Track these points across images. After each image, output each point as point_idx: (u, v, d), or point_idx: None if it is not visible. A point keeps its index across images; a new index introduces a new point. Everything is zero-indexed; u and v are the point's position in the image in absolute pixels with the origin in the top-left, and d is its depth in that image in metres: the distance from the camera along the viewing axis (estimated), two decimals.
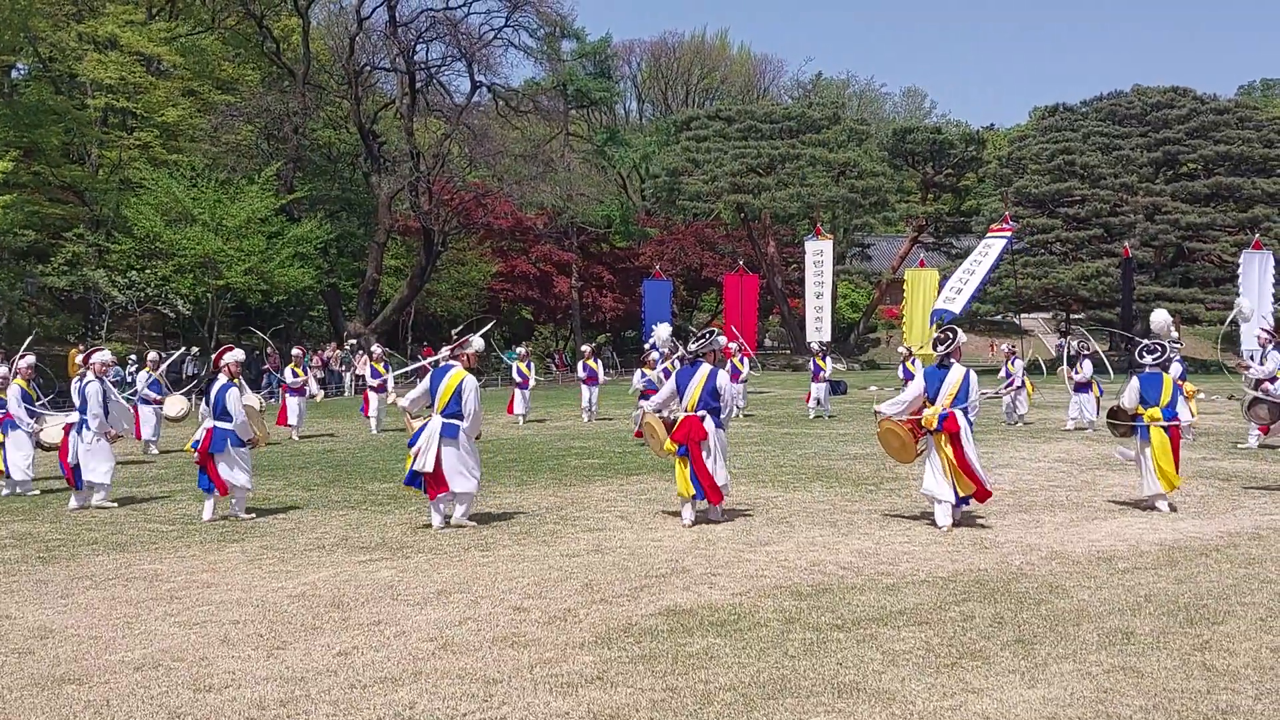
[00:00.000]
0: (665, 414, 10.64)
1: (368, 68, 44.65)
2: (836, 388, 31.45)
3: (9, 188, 30.31)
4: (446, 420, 10.10)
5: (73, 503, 11.99)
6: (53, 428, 13.14)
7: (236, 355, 11.65)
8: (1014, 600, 7.18)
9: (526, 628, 6.66)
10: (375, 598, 7.51)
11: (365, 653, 6.18)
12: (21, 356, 13.45)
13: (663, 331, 17.84)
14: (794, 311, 50.30)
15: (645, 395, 16.74)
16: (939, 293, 33.00)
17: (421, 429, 10.19)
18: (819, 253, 33.38)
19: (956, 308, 29.79)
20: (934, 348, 10.38)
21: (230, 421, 10.98)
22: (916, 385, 10.28)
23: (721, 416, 10.39)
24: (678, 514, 10.46)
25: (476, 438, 10.45)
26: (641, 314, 36.76)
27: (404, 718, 5.15)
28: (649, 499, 11.99)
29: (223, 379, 11.24)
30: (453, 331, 11.03)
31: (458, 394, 10.13)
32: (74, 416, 12.38)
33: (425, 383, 10.49)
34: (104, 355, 12.78)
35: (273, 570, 8.52)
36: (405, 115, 43.34)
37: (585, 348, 26.04)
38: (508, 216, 46.95)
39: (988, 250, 31.22)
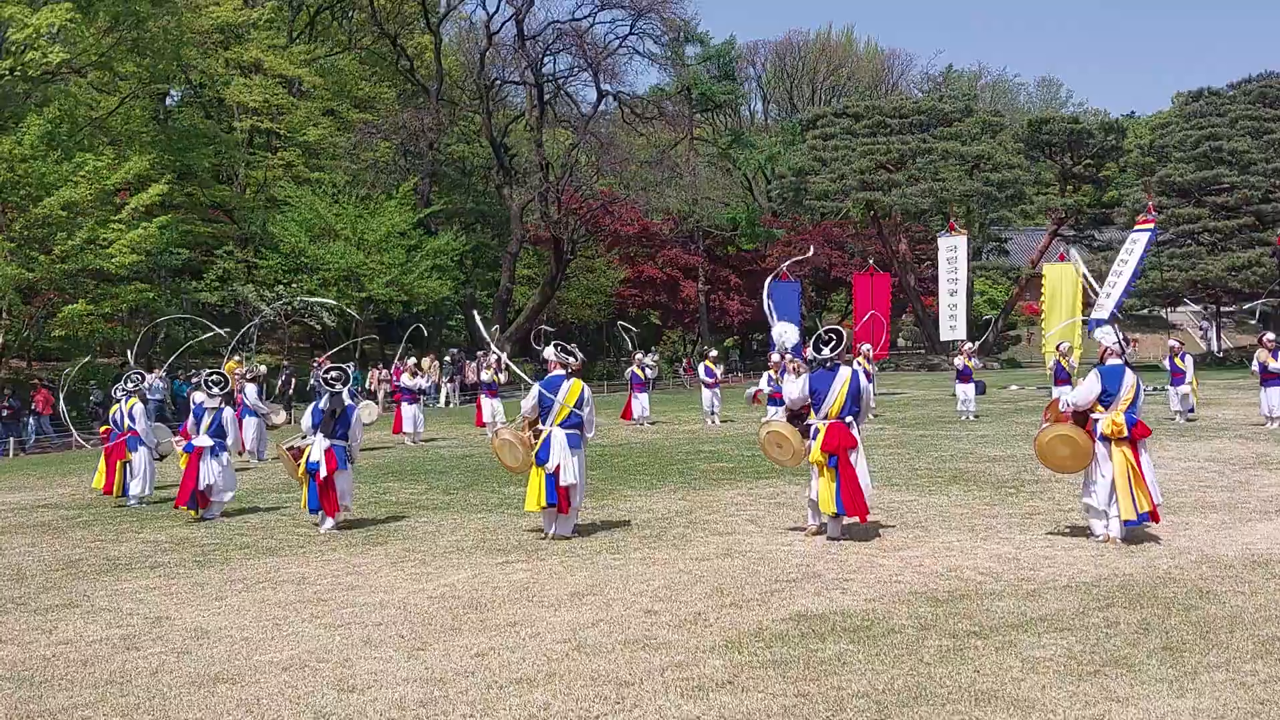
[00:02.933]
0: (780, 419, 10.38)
1: (498, 81, 45.59)
2: (976, 388, 30.76)
3: (165, 209, 31.95)
4: (568, 431, 9.98)
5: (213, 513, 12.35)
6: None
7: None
8: (1161, 606, 6.91)
9: (657, 630, 6.71)
10: (511, 599, 7.67)
11: (501, 654, 6.31)
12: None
13: (790, 333, 17.27)
14: (928, 310, 49.33)
15: (772, 399, 16.68)
16: (1083, 287, 31.96)
17: (546, 443, 9.89)
18: (953, 249, 32.67)
19: (1105, 313, 28.82)
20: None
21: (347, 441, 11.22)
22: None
23: (860, 418, 9.89)
24: (803, 526, 10.08)
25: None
26: (768, 316, 36.51)
27: (539, 718, 5.25)
28: (778, 503, 11.93)
29: (344, 397, 11.43)
30: (553, 341, 10.87)
31: (579, 404, 10.01)
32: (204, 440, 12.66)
33: (534, 395, 10.13)
34: (260, 369, 13.29)
35: (414, 572, 8.77)
36: (534, 127, 44.11)
37: (713, 352, 26.10)
38: (634, 223, 47.32)
39: (1132, 249, 30.08)
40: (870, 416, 11.50)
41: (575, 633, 6.72)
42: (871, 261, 37.97)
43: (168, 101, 41.95)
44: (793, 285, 36.25)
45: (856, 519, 9.58)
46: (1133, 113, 65.62)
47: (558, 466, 9.81)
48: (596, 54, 44.13)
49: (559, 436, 9.91)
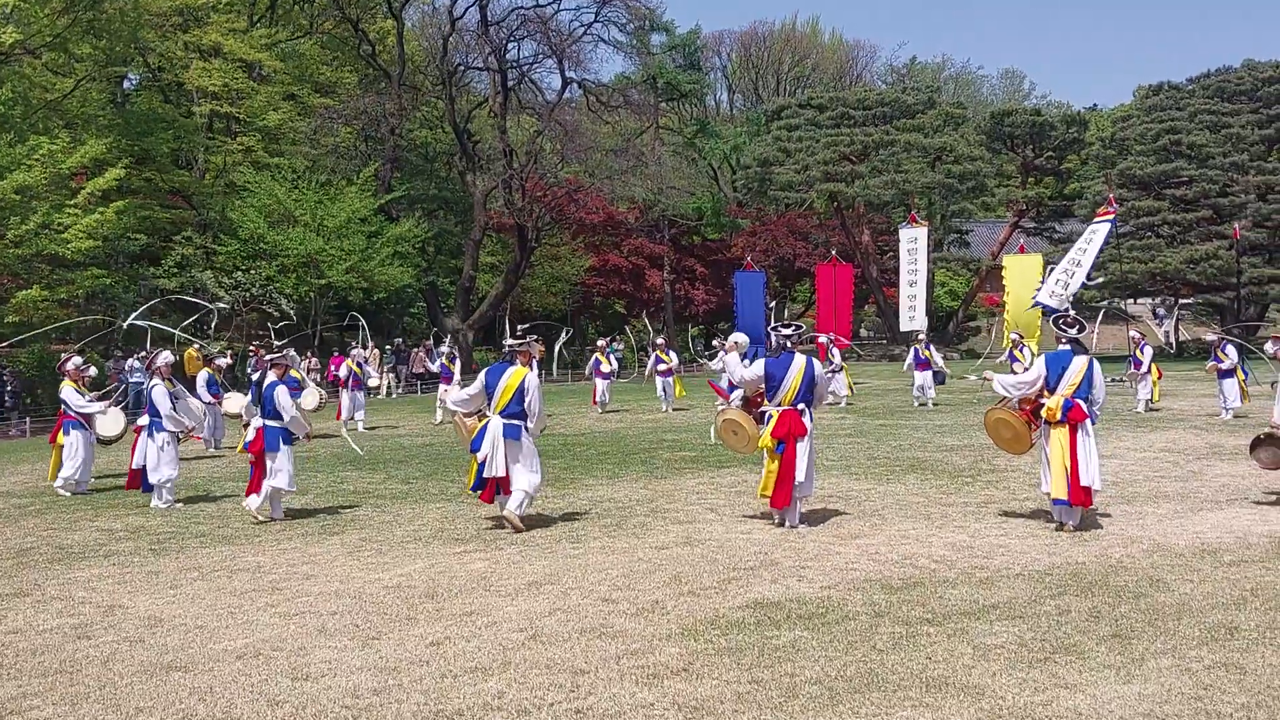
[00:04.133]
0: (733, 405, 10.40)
1: (461, 67, 45.27)
2: (936, 378, 30.98)
3: (122, 194, 31.49)
4: (507, 421, 9.75)
5: (156, 502, 12.15)
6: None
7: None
8: (1112, 594, 7.01)
9: (615, 619, 6.72)
10: (468, 589, 7.66)
11: (457, 643, 6.30)
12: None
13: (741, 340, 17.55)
14: (890, 301, 49.62)
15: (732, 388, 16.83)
16: (1042, 280, 32.19)
17: (482, 432, 9.79)
18: (913, 240, 32.82)
19: (1060, 302, 29.05)
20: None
21: (280, 420, 10.96)
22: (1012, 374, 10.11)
23: (814, 406, 9.94)
24: (766, 515, 10.19)
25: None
26: (734, 306, 36.62)
27: (492, 707, 5.24)
28: (739, 492, 11.98)
29: (272, 376, 11.18)
30: (519, 328, 10.77)
31: (519, 394, 9.76)
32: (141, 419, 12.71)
33: (479, 381, 10.07)
34: (167, 357, 13.04)
35: (370, 562, 8.73)
36: (498, 114, 43.86)
37: (659, 339, 26.43)
38: (599, 211, 47.25)
39: (1092, 238, 30.33)
40: (829, 401, 11.48)
41: (532, 622, 6.72)
42: (835, 252, 38.13)
43: (125, 85, 41.32)
44: (757, 275, 36.37)
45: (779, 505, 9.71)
46: (1095, 106, 66.31)
47: (485, 456, 9.66)
48: (561, 41, 43.94)
49: (495, 426, 9.73)
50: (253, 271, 34.99)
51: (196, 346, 21.77)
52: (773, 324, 10.16)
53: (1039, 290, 29.45)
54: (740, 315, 35.00)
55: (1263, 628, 6.17)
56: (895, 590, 7.26)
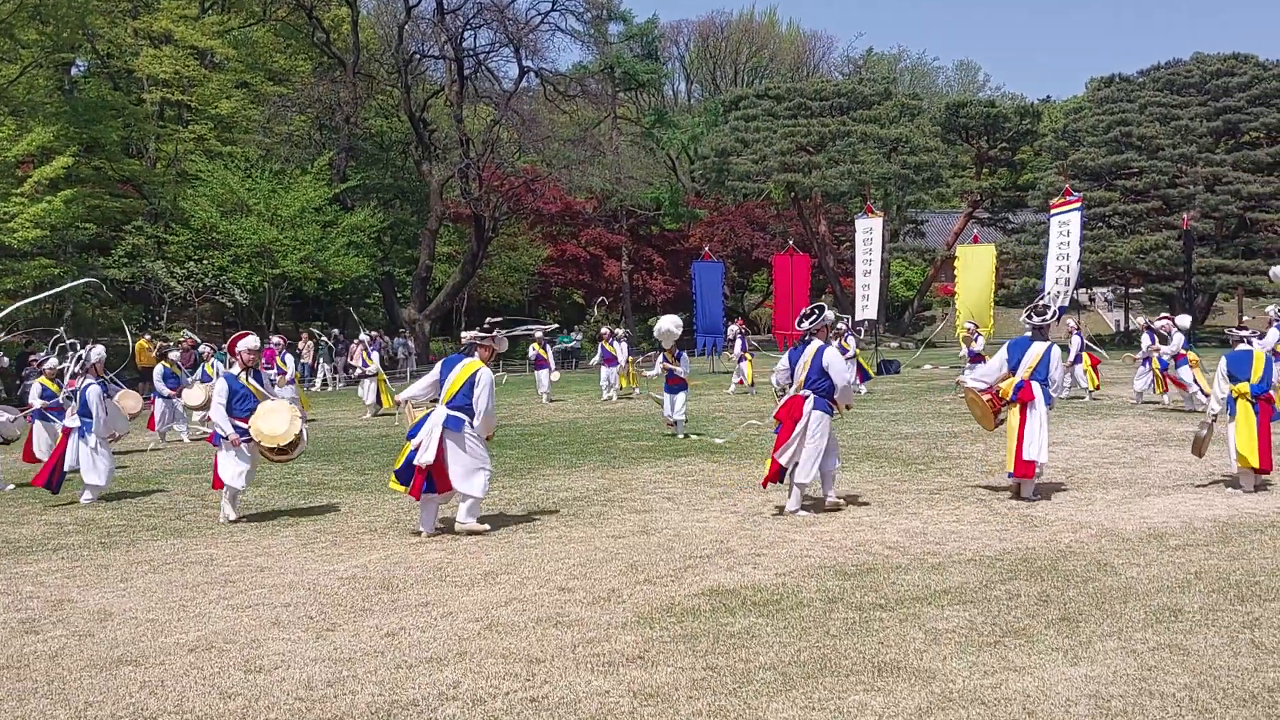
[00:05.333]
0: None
1: (417, 56, 44.92)
2: (889, 367, 31.26)
3: (70, 183, 30.98)
4: (452, 412, 9.19)
5: (85, 497, 11.85)
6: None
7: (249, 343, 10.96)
8: (1061, 578, 7.13)
9: (571, 608, 6.74)
10: (424, 579, 7.64)
11: (412, 633, 6.29)
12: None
13: (667, 324, 17.71)
14: (846, 291, 49.92)
15: (668, 385, 16.98)
16: (996, 270, 32.54)
17: (423, 420, 9.29)
18: (869, 230, 32.94)
19: (1065, 300, 29.38)
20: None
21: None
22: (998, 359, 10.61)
23: (836, 396, 9.85)
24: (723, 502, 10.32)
25: (488, 438, 9.60)
26: (693, 296, 36.70)
27: (448, 697, 5.24)
28: (695, 480, 12.03)
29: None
30: (487, 321, 10.32)
31: (469, 385, 9.25)
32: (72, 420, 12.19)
33: (434, 372, 9.60)
34: (99, 352, 12.52)
35: (324, 553, 8.68)
36: (454, 102, 43.56)
37: (604, 330, 26.63)
38: (557, 201, 47.14)
39: (1066, 228, 30.62)
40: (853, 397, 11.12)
41: (487, 611, 6.71)
42: (791, 242, 38.28)
43: (73, 71, 40.63)
44: (715, 265, 36.44)
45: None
46: (1048, 97, 66.98)
47: (419, 444, 9.12)
48: (518, 30, 43.69)
49: (438, 414, 9.21)
50: (205, 261, 34.58)
51: (147, 338, 21.48)
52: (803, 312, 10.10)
53: (1045, 296, 29.87)
54: (699, 305, 35.12)
55: (1206, 610, 6.29)
56: (849, 576, 7.33)
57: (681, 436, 16.28)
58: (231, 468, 10.42)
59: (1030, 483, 10.15)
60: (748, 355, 25.47)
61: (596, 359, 25.62)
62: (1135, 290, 50.55)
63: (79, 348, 13.30)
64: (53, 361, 14.41)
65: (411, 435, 9.30)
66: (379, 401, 22.29)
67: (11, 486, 12.91)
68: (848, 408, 10.39)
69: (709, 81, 72.14)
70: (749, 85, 63.98)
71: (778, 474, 9.76)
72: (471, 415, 9.24)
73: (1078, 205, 31.23)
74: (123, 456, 15.40)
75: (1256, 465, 10.19)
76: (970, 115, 53.64)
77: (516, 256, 48.05)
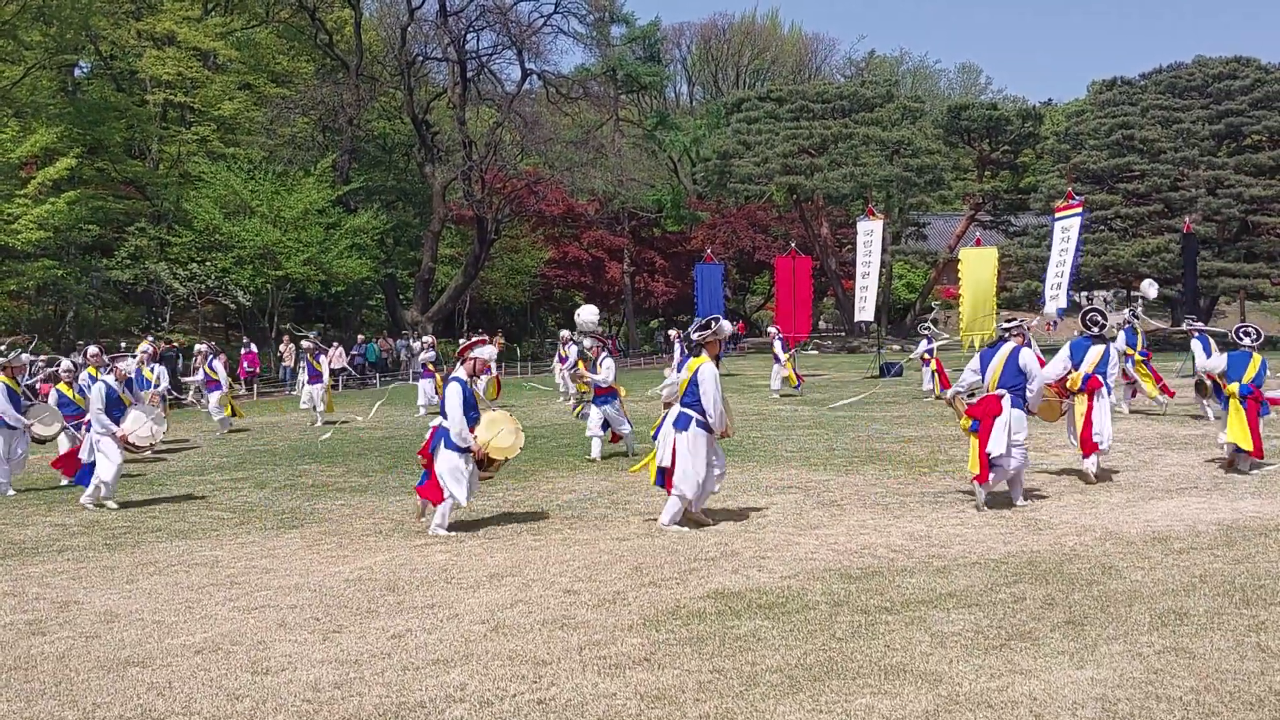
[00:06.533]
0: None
1: (419, 58, 44.96)
2: (891, 369, 31.27)
3: (74, 184, 31.01)
4: (682, 410, 9.36)
5: (89, 498, 11.69)
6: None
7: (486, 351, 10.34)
8: (1066, 582, 7.13)
9: (576, 610, 6.74)
10: (429, 581, 7.64)
11: (418, 635, 6.29)
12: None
13: (587, 313, 15.82)
14: (848, 293, 49.94)
15: (597, 396, 14.48)
16: (998, 273, 32.50)
17: (663, 421, 9.53)
18: (870, 233, 32.95)
19: (1062, 302, 29.39)
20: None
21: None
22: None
23: (1029, 396, 10.17)
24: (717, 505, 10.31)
25: (723, 435, 9.59)
26: (694, 298, 36.74)
27: (455, 699, 5.25)
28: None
29: (459, 372, 10.00)
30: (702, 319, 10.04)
31: (694, 384, 9.34)
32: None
33: (676, 373, 9.80)
34: (128, 364, 12.57)
35: (330, 555, 8.69)
36: (457, 105, 43.61)
37: (563, 332, 26.92)
38: (559, 203, 47.20)
39: (1067, 234, 30.63)
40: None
41: (493, 613, 6.72)
42: (794, 245, 38.29)
43: (76, 73, 40.67)
44: (717, 268, 36.48)
45: None
46: (1050, 100, 66.98)
47: (658, 445, 9.49)
48: (520, 32, 43.76)
49: (672, 414, 9.48)
50: (208, 263, 34.58)
51: (149, 339, 21.46)
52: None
53: (1045, 303, 29.91)
54: (700, 307, 35.13)
55: (1211, 613, 6.30)
56: (854, 579, 7.33)
57: (631, 458, 13.98)
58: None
59: (1094, 457, 11.41)
60: (788, 356, 25.44)
61: (570, 365, 25.11)
62: (1137, 294, 50.50)
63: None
64: (66, 364, 14.41)
65: (655, 436, 9.62)
66: (319, 408, 21.38)
67: (12, 492, 12.84)
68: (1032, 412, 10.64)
69: (711, 84, 72.23)
70: (751, 87, 64.05)
71: (988, 469, 9.85)
72: (701, 412, 9.29)
73: (1079, 211, 31.27)
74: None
75: (1250, 449, 11.52)
76: (972, 118, 53.66)
77: (519, 258, 48.08)
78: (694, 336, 9.64)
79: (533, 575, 7.73)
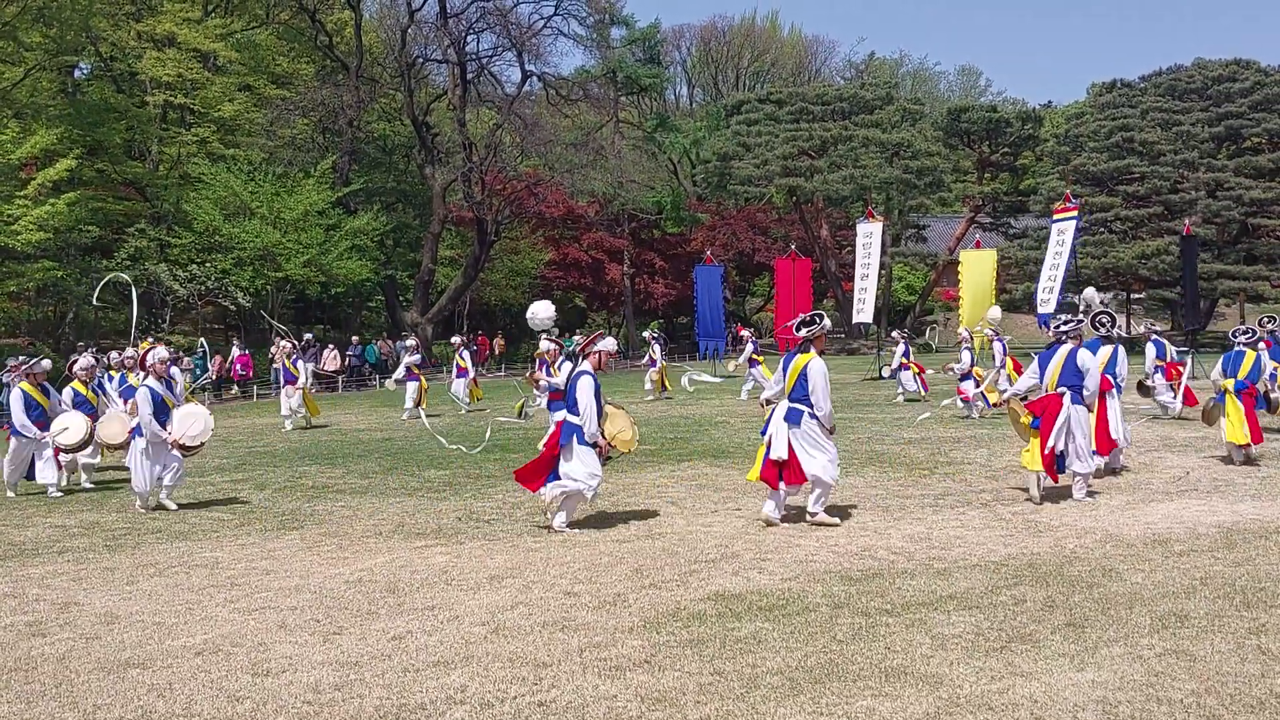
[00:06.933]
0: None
1: (419, 60, 44.95)
2: (892, 372, 31.23)
3: (73, 185, 31.01)
4: (792, 405, 9.51)
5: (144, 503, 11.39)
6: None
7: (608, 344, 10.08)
8: (1066, 584, 7.13)
9: (577, 612, 6.74)
10: (430, 583, 7.64)
11: (419, 637, 6.29)
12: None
13: (540, 310, 13.94)
14: (848, 295, 49.97)
15: (551, 401, 13.86)
16: (997, 275, 32.54)
17: (771, 417, 9.68)
18: (869, 235, 33.01)
19: (1051, 307, 29.43)
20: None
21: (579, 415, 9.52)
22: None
23: (1085, 395, 10.50)
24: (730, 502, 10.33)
25: (831, 431, 9.64)
26: (694, 300, 36.75)
27: (455, 700, 5.25)
28: (699, 485, 12.04)
29: (585, 366, 9.76)
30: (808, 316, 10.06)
31: (802, 379, 9.47)
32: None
33: (779, 369, 9.91)
34: (161, 353, 11.96)
35: (330, 557, 8.69)
36: (457, 106, 43.60)
37: (455, 339, 26.66)
38: (559, 205, 47.19)
39: (1062, 238, 30.66)
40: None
41: (494, 615, 6.72)
42: (794, 247, 38.30)
43: (76, 74, 40.66)
44: (717, 270, 36.49)
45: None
46: (1049, 102, 67.10)
47: (769, 439, 9.51)
48: (520, 34, 43.76)
49: (780, 409, 9.61)
50: (208, 264, 34.59)
51: (149, 340, 21.40)
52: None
53: (1040, 303, 29.97)
54: (700, 309, 35.16)
55: (1212, 616, 6.30)
56: (854, 581, 7.33)
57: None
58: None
59: (1117, 452, 11.76)
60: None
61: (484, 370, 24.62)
62: (1137, 296, 50.59)
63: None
64: (84, 361, 14.36)
65: (763, 432, 9.68)
66: (301, 411, 20.91)
67: (11, 495, 12.82)
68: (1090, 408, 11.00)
69: (711, 86, 72.24)
70: (751, 90, 64.08)
71: (1053, 465, 10.20)
72: (810, 406, 9.45)
73: (1073, 214, 31.31)
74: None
75: (1245, 442, 12.31)
76: (972, 120, 53.73)
77: (518, 260, 48.08)
78: (801, 333, 9.74)
79: (533, 577, 7.73)
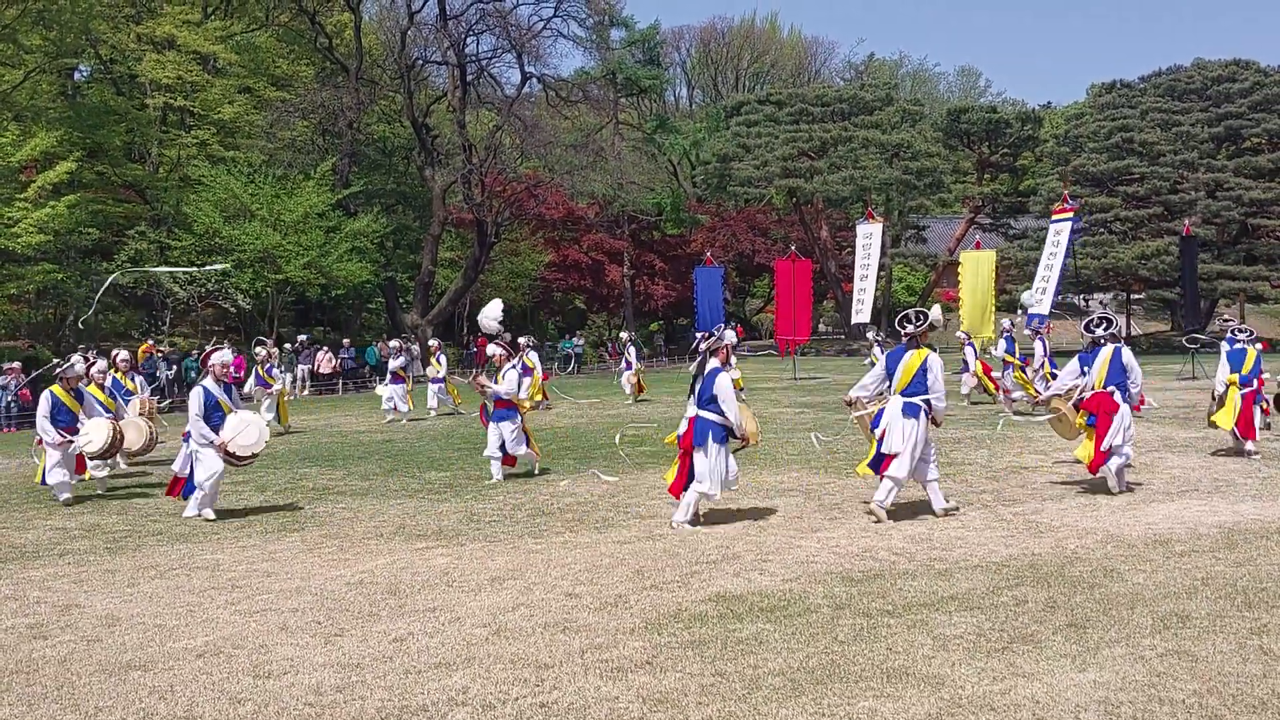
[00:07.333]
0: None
1: (419, 61, 44.94)
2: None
3: (73, 187, 31.03)
4: (907, 400, 9.65)
5: (191, 509, 10.98)
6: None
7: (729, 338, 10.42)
8: (1068, 584, 7.13)
9: (578, 613, 6.74)
10: (431, 585, 7.64)
11: (420, 639, 6.29)
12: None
13: (488, 310, 14.00)
14: (848, 296, 50.00)
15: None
16: (997, 276, 32.57)
17: (881, 412, 9.83)
18: (869, 236, 33.05)
19: (1045, 308, 29.42)
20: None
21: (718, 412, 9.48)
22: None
23: (1131, 392, 11.05)
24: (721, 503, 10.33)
25: (938, 424, 9.92)
26: (694, 301, 36.74)
27: (457, 702, 5.25)
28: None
29: (714, 363, 9.66)
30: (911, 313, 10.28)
31: (922, 373, 9.65)
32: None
33: (879, 368, 10.08)
34: (224, 356, 11.38)
35: (331, 559, 8.69)
36: (457, 108, 43.60)
37: (393, 342, 26.44)
38: (559, 206, 47.20)
39: (1058, 239, 30.68)
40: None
41: (495, 617, 6.72)
42: (794, 248, 38.31)
43: (76, 76, 40.68)
44: (717, 271, 36.48)
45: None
46: (1049, 103, 67.04)
47: (883, 432, 9.79)
48: (520, 35, 43.75)
49: (895, 404, 9.77)
50: (208, 266, 34.57)
51: (151, 341, 21.41)
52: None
53: (1029, 301, 29.94)
54: (700, 310, 35.14)
55: (1213, 616, 6.30)
56: (856, 582, 7.33)
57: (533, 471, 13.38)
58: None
59: (1116, 460, 11.31)
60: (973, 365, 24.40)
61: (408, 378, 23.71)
62: (1136, 296, 50.61)
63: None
64: (101, 364, 14.32)
65: (874, 426, 9.92)
66: (277, 418, 20.38)
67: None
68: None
69: (711, 87, 72.28)
70: (750, 91, 64.13)
71: (1104, 461, 10.67)
72: (928, 401, 9.69)
73: (1069, 216, 31.32)
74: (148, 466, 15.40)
75: (1231, 428, 13.03)
76: (972, 121, 53.74)
77: (519, 262, 48.10)
78: (908, 329, 9.90)
79: (534, 578, 7.73)
